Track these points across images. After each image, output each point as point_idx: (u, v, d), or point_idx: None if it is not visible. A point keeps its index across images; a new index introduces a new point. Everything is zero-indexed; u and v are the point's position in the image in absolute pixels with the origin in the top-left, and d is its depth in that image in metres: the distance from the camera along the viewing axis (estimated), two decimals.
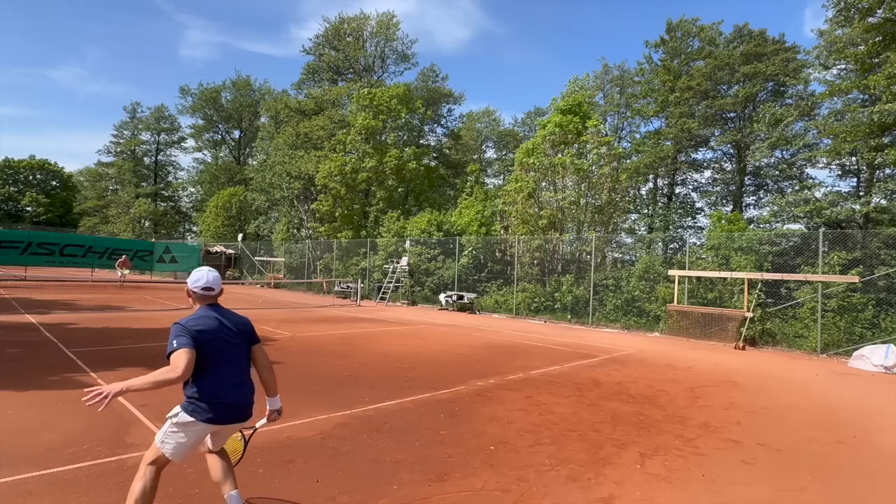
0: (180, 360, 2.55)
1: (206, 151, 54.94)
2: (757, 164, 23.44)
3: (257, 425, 3.12)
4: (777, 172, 22.81)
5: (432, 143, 36.73)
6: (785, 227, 20.12)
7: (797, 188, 21.39)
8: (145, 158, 58.50)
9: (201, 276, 2.97)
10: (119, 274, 24.75)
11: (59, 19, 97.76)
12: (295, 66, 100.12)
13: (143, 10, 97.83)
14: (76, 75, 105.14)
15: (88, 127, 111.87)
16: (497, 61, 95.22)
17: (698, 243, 21.11)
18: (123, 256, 25.67)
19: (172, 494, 3.31)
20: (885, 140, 16.54)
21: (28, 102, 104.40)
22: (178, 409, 2.73)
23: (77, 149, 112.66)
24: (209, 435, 2.87)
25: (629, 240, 24.43)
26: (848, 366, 10.06)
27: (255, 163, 44.73)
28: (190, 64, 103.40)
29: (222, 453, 3.06)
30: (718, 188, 26.61)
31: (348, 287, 22.70)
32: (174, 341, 2.62)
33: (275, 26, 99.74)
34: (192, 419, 2.67)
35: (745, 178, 25.05)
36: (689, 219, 26.86)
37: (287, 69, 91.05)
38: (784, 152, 21.83)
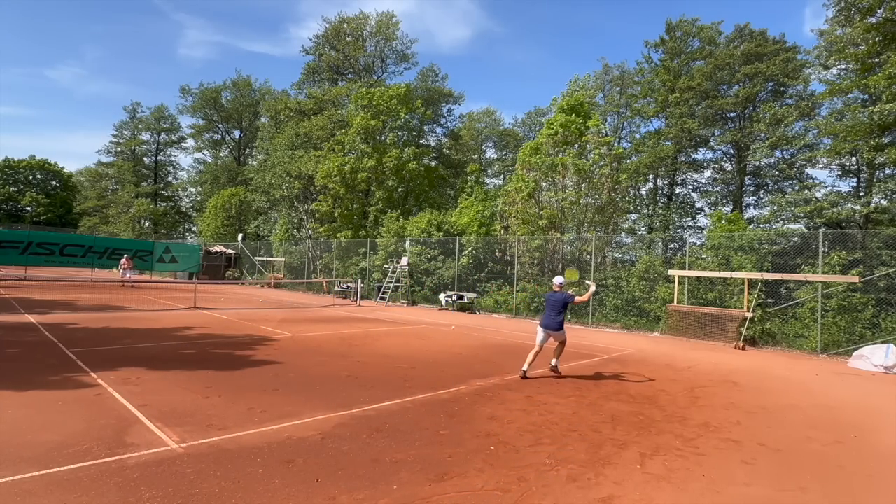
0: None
1: (206, 151, 54.99)
2: (757, 164, 23.46)
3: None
4: (777, 172, 22.82)
5: (432, 144, 36.76)
6: (785, 227, 20.12)
7: (797, 188, 21.40)
8: (145, 158, 58.54)
9: (560, 278, 8.07)
10: (122, 274, 23.99)
11: (58, 18, 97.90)
12: (294, 65, 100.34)
13: (141, 10, 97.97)
14: (75, 75, 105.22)
15: (88, 127, 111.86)
16: (497, 61, 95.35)
17: (698, 243, 21.11)
18: (125, 257, 24.93)
19: (172, 494, 3.31)
20: (885, 140, 16.54)
21: (27, 102, 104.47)
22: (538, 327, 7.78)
23: (76, 149, 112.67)
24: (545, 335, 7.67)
25: (629, 240, 24.46)
26: (848, 366, 10.05)
27: (255, 163, 44.73)
28: (188, 64, 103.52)
29: (557, 347, 7.86)
30: (718, 188, 26.62)
31: (348, 287, 22.70)
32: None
33: (273, 26, 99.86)
34: (540, 328, 7.74)
35: (745, 178, 25.06)
36: (689, 219, 26.89)
37: (286, 69, 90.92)
38: (784, 152, 21.84)
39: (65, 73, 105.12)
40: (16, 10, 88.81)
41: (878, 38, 16.33)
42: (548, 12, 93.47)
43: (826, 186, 20.67)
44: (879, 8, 15.97)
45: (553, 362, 7.86)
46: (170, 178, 59.91)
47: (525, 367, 7.44)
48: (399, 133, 29.95)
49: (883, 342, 10.45)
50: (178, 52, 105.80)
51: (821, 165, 20.80)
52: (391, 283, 21.40)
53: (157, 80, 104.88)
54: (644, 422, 5.50)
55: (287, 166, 31.18)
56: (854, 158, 19.22)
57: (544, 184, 19.79)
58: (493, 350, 10.08)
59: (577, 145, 19.58)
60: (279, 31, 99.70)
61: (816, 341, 11.58)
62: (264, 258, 32.53)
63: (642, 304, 15.35)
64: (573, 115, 19.87)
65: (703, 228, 25.89)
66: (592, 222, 19.17)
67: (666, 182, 28.51)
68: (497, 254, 20.02)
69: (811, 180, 21.75)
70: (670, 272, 14.35)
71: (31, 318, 11.46)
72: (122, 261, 24.64)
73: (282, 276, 30.19)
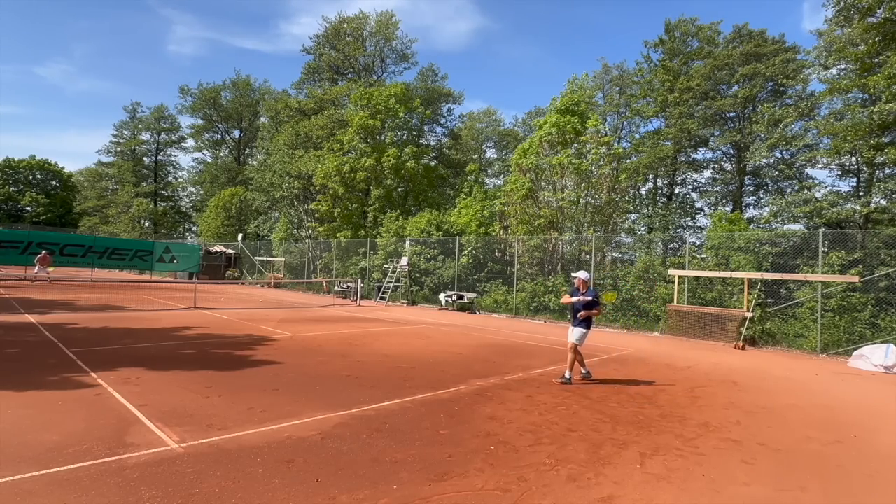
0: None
1: (206, 151, 55.00)
2: (757, 164, 23.45)
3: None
4: (777, 172, 22.82)
5: (432, 143, 36.77)
6: (785, 227, 20.12)
7: (797, 188, 21.40)
8: (145, 158, 58.52)
9: (584, 273, 7.48)
10: (37, 270, 21.79)
11: (44, 14, 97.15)
12: (285, 62, 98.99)
13: (127, 5, 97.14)
14: (64, 72, 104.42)
15: (79, 125, 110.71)
16: (496, 60, 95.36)
17: (698, 243, 21.12)
18: (43, 252, 22.42)
19: (172, 494, 3.31)
20: (885, 139, 16.54)
21: (19, 100, 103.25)
22: (583, 329, 7.20)
23: (70, 147, 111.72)
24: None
25: (629, 239, 24.45)
26: (848, 365, 10.06)
27: (254, 163, 44.75)
28: (179, 61, 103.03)
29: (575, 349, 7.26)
30: (718, 188, 26.61)
31: (348, 287, 22.71)
32: (598, 297, 7.36)
33: (262, 21, 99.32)
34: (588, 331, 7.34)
35: (745, 178, 25.06)
36: (689, 219, 26.87)
37: (277, 66, 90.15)
38: (784, 152, 21.84)
39: (54, 70, 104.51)
40: (2, 6, 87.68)
41: (877, 38, 16.32)
42: (544, 9, 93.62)
43: (826, 186, 20.69)
44: (879, 8, 15.95)
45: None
46: (170, 178, 59.88)
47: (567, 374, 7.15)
48: (398, 132, 29.95)
49: (883, 342, 10.46)
50: (168, 48, 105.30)
51: (820, 165, 20.80)
52: (391, 282, 21.40)
53: (146, 78, 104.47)
54: (644, 422, 5.50)
55: (287, 166, 31.18)
56: (854, 158, 19.22)
57: (543, 183, 19.80)
58: (492, 350, 10.08)
59: (574, 145, 19.58)
60: (269, 28, 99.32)
61: (816, 341, 11.59)
62: (264, 258, 32.53)
63: (641, 303, 15.35)
64: (567, 116, 19.86)
65: (702, 228, 25.88)
66: (592, 222, 19.17)
67: (665, 182, 28.50)
68: (497, 254, 20.02)
69: (811, 180, 21.76)
70: (670, 272, 14.35)
71: (31, 318, 11.45)
72: (41, 255, 22.09)
73: (282, 275, 30.19)
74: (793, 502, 3.69)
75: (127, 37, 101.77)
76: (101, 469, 3.67)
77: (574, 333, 7.25)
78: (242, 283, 30.66)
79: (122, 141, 57.55)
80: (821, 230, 13.32)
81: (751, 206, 25.37)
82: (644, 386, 7.30)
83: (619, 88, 31.92)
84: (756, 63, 23.03)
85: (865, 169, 19.01)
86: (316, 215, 30.03)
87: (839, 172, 20.46)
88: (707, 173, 27.19)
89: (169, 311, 14.74)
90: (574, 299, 7.29)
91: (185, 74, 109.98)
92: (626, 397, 6.57)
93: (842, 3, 16.78)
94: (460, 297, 18.97)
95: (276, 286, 28.56)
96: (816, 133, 19.92)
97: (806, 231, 18.15)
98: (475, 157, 42.57)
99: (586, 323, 7.27)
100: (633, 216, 27.89)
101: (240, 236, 36.19)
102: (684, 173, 27.48)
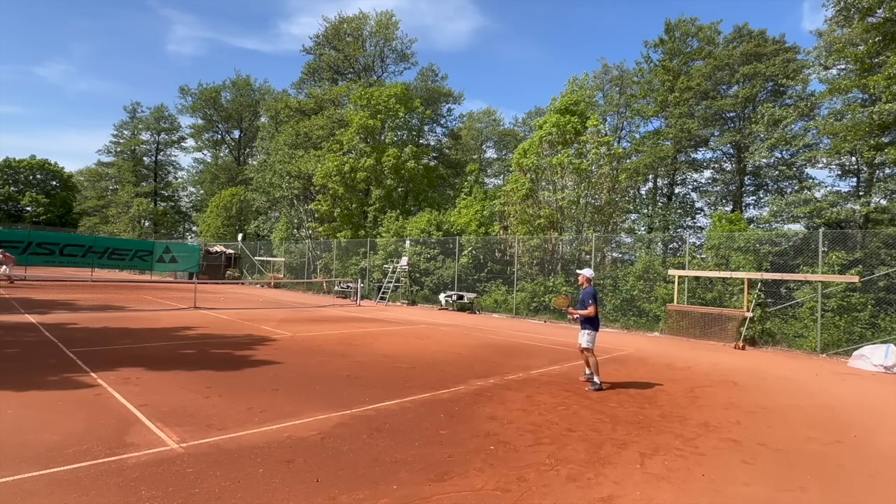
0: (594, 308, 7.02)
1: (206, 151, 55.01)
2: (756, 164, 23.46)
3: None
4: (777, 173, 22.83)
5: (432, 143, 36.78)
6: (785, 227, 20.13)
7: (797, 188, 21.41)
8: (145, 158, 58.55)
9: (588, 270, 7.45)
10: (6, 269, 20.91)
11: (44, 14, 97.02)
12: (284, 62, 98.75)
13: (127, 5, 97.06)
14: (63, 72, 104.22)
15: (79, 125, 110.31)
16: (495, 60, 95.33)
17: (698, 243, 21.12)
18: (1, 253, 21.15)
19: (172, 494, 3.31)
20: (885, 139, 16.54)
21: (17, 100, 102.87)
22: (591, 331, 7.06)
23: (70, 147, 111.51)
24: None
25: (629, 239, 24.45)
26: (848, 365, 10.06)
27: (254, 163, 44.76)
28: (178, 60, 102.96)
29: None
30: (718, 188, 26.62)
31: (348, 287, 22.71)
32: (592, 299, 6.99)
33: (262, 21, 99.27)
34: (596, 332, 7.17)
35: (745, 178, 25.07)
36: (689, 219, 26.88)
37: (277, 66, 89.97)
38: (783, 152, 21.85)
39: (53, 70, 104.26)
40: (2, 6, 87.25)
41: (877, 38, 16.32)
42: (544, 10, 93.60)
43: (826, 186, 20.70)
44: (879, 8, 15.95)
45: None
46: (170, 178, 59.89)
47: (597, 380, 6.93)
48: (398, 133, 29.96)
49: (883, 342, 10.46)
50: (168, 48, 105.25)
51: (820, 165, 20.81)
52: (391, 282, 21.40)
53: (146, 78, 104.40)
54: (644, 421, 5.50)
55: (287, 166, 31.19)
56: (854, 158, 19.23)
57: (543, 183, 19.80)
58: (492, 350, 10.08)
59: (574, 145, 19.58)
60: (269, 28, 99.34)
61: (816, 341, 11.59)
62: (264, 258, 32.53)
63: (641, 303, 15.35)
64: (567, 116, 19.87)
65: (702, 228, 25.89)
66: (592, 222, 19.17)
67: (665, 182, 28.50)
68: (497, 254, 20.01)
69: (811, 180, 21.77)
70: (670, 272, 14.35)
71: (31, 318, 11.45)
72: (1, 256, 21.10)
73: (282, 275, 30.19)
74: (793, 502, 3.69)
75: (127, 37, 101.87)
76: (101, 469, 3.67)
77: (583, 337, 7.13)
78: (242, 283, 30.66)
79: (122, 141, 57.58)
80: (821, 230, 13.31)
81: (751, 206, 25.38)
82: (644, 386, 7.30)
83: (619, 88, 31.90)
84: (756, 63, 23.03)
85: (865, 169, 19.02)
86: (316, 215, 30.02)
87: (839, 172, 20.48)
88: (707, 173, 27.22)
89: (169, 311, 14.74)
90: (579, 312, 7.17)
91: (185, 74, 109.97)
92: (626, 397, 6.57)
93: (842, 3, 16.78)
94: (460, 297, 18.97)
95: (276, 286, 28.56)
96: (816, 133, 19.91)
97: (806, 231, 18.15)
98: (475, 157, 42.56)
99: (592, 324, 7.08)
100: (633, 216, 27.90)
101: (240, 236, 36.18)
102: (684, 173, 27.49)
